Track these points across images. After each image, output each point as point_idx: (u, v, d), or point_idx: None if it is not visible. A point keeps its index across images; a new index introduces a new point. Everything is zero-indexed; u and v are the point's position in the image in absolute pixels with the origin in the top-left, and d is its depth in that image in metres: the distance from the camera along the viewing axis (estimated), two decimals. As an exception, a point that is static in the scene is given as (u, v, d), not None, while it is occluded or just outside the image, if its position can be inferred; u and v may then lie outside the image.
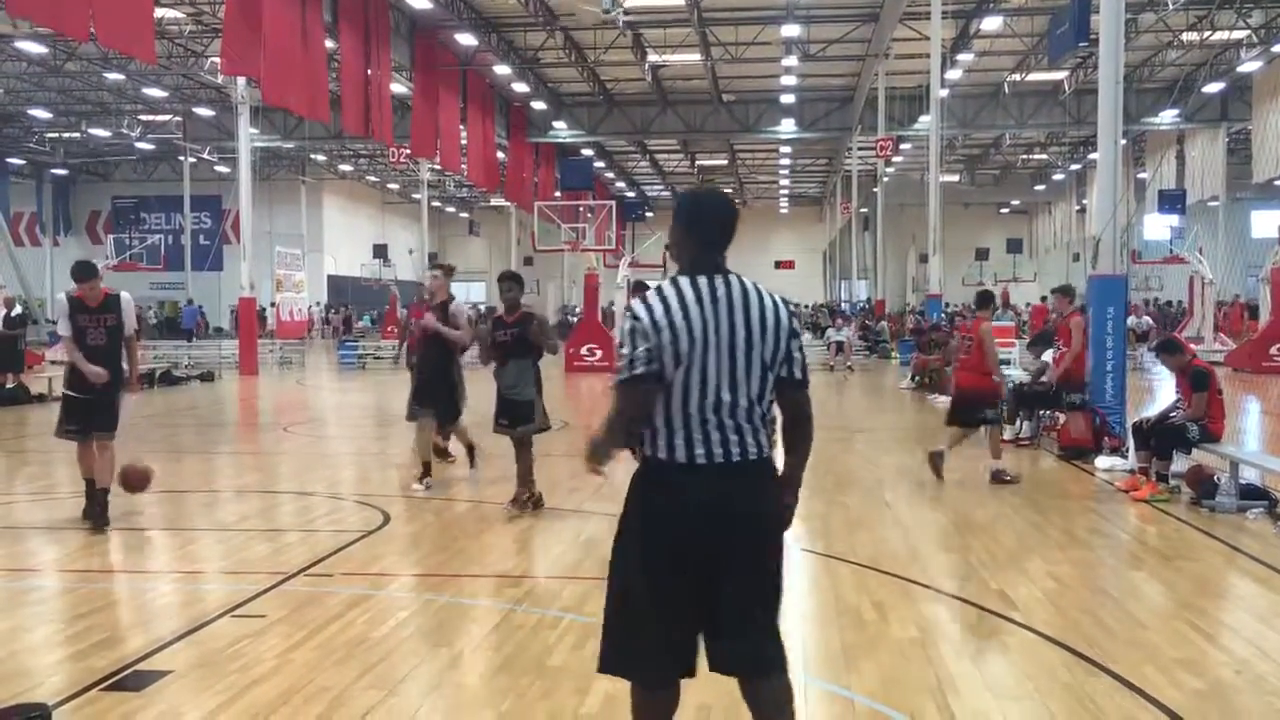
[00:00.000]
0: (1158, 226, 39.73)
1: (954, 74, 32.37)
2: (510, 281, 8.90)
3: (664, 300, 3.32)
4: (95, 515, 8.28)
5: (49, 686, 4.80)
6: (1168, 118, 37.12)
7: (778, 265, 57.87)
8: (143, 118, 41.00)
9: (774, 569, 3.43)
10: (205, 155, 42.47)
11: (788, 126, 40.27)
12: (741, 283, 3.38)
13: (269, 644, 5.41)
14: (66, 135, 43.73)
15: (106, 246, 39.42)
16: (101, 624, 5.83)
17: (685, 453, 3.30)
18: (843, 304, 47.19)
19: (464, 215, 62.89)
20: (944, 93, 27.89)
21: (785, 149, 48.04)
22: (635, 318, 3.33)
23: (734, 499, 3.30)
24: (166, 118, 40.91)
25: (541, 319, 8.91)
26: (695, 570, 3.29)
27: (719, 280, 3.35)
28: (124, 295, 8.51)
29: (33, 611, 6.16)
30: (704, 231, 3.42)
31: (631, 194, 56.86)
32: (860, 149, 39.55)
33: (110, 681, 4.86)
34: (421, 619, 5.91)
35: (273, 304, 36.22)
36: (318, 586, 6.53)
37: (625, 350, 3.30)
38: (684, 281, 3.36)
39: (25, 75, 34.66)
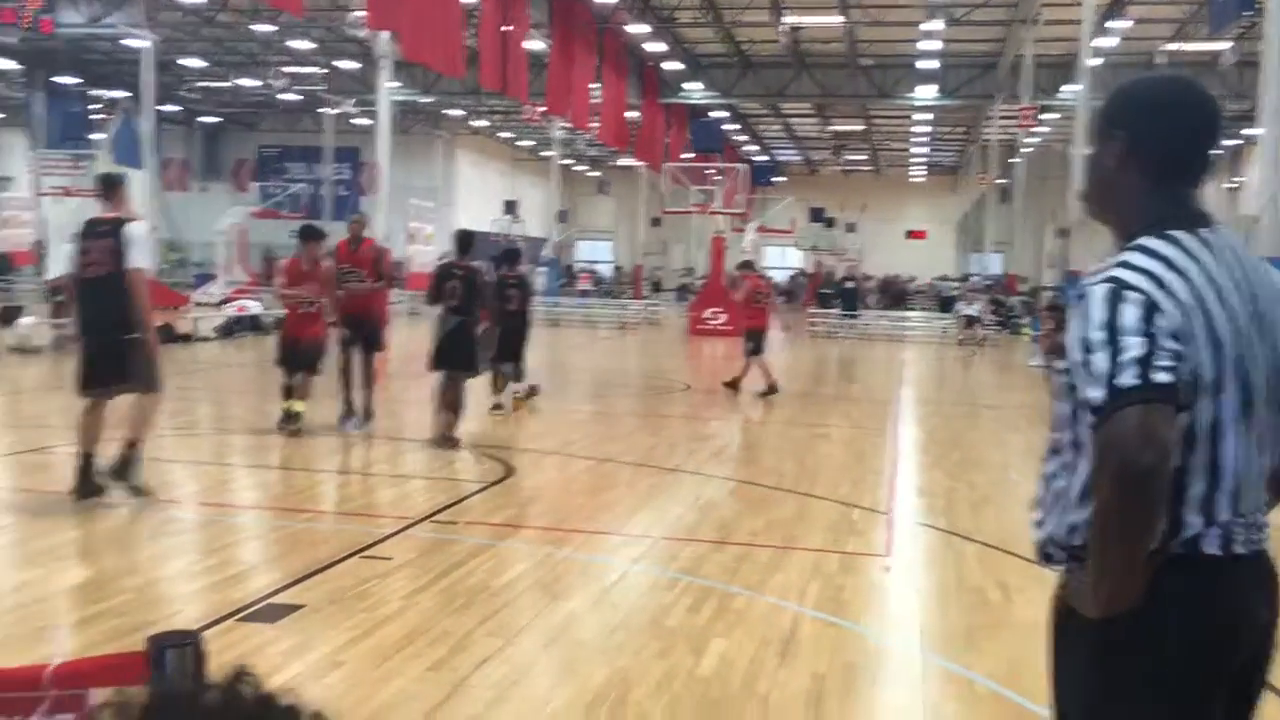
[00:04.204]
0: (1318, 208, 37.71)
1: (1105, 42, 31.03)
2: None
3: (1179, 272, 1.86)
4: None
5: (187, 614, 5.02)
6: (1336, 92, 35.02)
7: (909, 235, 56.71)
8: (288, 70, 42.19)
9: None
10: (349, 107, 43.51)
11: (926, 93, 39.21)
12: (1230, 239, 2.01)
13: (395, 586, 5.56)
14: (216, 85, 45.26)
15: (252, 194, 40.69)
16: (237, 557, 6.08)
17: (1221, 540, 1.89)
18: (973, 277, 46.04)
19: (594, 174, 63.19)
20: (1094, 61, 26.70)
21: (921, 116, 46.86)
22: (1141, 294, 1.82)
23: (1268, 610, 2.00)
24: (311, 70, 42.02)
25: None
26: None
27: (1228, 240, 1.98)
28: (133, 223, 6.92)
29: (173, 542, 6.44)
30: (1186, 155, 2.01)
31: (762, 157, 56.27)
32: (1001, 118, 38.32)
33: (245, 613, 5.05)
34: (541, 572, 6.00)
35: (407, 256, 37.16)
36: (442, 533, 6.68)
37: (1132, 342, 1.78)
38: (1189, 242, 1.91)
39: (181, 25, 35.96)
